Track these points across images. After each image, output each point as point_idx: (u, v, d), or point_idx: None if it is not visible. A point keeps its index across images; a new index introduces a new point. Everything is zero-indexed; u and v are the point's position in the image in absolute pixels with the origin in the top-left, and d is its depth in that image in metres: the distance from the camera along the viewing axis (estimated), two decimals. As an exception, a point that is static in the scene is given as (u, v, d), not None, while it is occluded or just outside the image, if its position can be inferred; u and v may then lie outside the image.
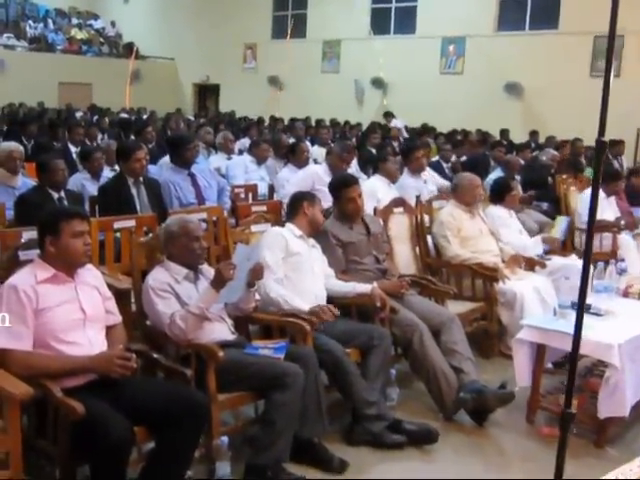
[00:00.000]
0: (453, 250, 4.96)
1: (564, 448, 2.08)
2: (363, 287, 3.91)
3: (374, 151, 9.80)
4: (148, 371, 3.09)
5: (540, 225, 6.76)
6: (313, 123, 15.34)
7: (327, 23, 19.12)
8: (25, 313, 2.68)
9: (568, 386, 2.08)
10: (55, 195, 4.83)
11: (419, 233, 5.15)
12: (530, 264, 5.20)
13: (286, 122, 15.32)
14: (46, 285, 2.76)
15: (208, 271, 3.44)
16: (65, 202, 4.83)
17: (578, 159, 9.60)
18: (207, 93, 23.75)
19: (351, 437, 3.53)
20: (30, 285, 2.72)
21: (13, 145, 5.67)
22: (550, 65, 15.13)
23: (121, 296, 3.42)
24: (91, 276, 2.97)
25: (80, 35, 23.90)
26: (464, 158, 9.59)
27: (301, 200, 3.99)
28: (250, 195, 6.30)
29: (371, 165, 8.50)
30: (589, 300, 4.07)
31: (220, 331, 3.30)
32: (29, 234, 3.59)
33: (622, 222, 6.64)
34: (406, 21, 18.19)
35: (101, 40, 24.46)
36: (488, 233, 5.12)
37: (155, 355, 3.05)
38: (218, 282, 3.16)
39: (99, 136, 10.88)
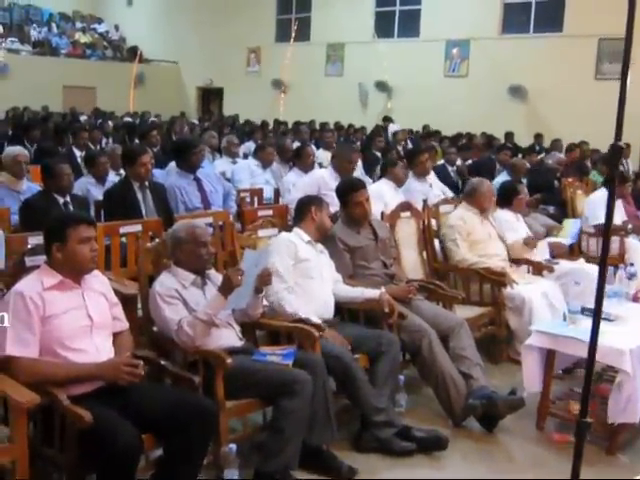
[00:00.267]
0: (461, 254, 4.93)
1: (580, 457, 2.05)
2: (371, 292, 3.88)
3: (379, 154, 9.80)
4: (155, 378, 3.06)
5: (547, 229, 6.72)
6: (317, 126, 15.33)
7: (331, 26, 19.10)
8: (32, 320, 2.65)
9: (584, 394, 2.05)
10: (61, 200, 4.81)
11: (426, 237, 5.12)
12: (538, 268, 5.18)
13: (290, 125, 15.32)
14: (53, 292, 2.74)
15: (215, 276, 3.42)
16: (71, 207, 4.81)
17: (584, 162, 9.57)
18: (211, 97, 23.74)
19: (360, 444, 3.50)
20: (37, 292, 2.70)
21: (18, 149, 5.65)
22: (554, 68, 15.09)
23: (127, 302, 3.39)
24: (98, 282, 2.95)
25: (84, 39, 23.91)
26: (469, 162, 9.57)
27: (309, 205, 3.97)
28: (256, 199, 6.27)
29: (374, 168, 8.51)
30: (599, 305, 4.05)
31: (228, 337, 3.28)
32: (35, 239, 3.57)
33: (629, 226, 6.61)
34: (410, 24, 18.15)
35: (105, 44, 24.48)
36: (497, 237, 5.10)
37: (162, 362, 3.02)
38: (226, 288, 3.14)
39: (103, 140, 10.89)
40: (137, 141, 9.55)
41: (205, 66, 22.12)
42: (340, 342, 3.56)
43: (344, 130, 15.14)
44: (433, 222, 5.22)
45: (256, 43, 21.37)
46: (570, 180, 7.83)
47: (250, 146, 10.65)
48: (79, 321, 2.77)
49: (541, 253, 5.63)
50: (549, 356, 3.76)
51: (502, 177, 7.41)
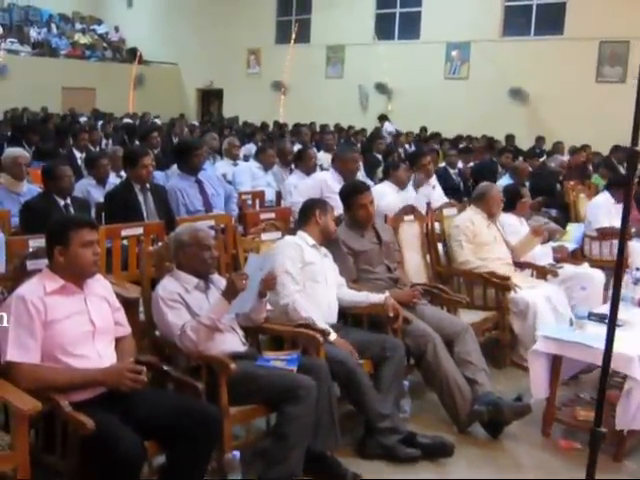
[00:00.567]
0: (464, 255, 4.90)
1: (594, 466, 2.00)
2: (376, 297, 3.83)
3: (379, 157, 9.77)
4: (158, 383, 3.01)
5: (550, 232, 6.68)
6: (317, 128, 15.30)
7: (331, 28, 19.08)
8: (33, 325, 2.61)
9: (598, 403, 2.01)
10: (61, 202, 4.76)
11: (429, 241, 5.08)
12: (542, 272, 5.14)
13: (289, 127, 15.28)
14: (55, 296, 2.70)
15: (218, 280, 3.38)
16: (71, 209, 4.77)
17: (586, 165, 9.54)
18: (210, 98, 23.72)
19: (364, 450, 3.46)
20: (38, 296, 2.66)
21: (18, 151, 5.62)
22: (555, 71, 15.07)
23: (129, 305, 3.36)
24: (100, 286, 2.91)
25: (83, 40, 23.86)
26: (470, 164, 9.54)
27: (313, 208, 3.92)
28: (257, 202, 6.23)
29: (375, 171, 8.47)
30: (605, 310, 4.01)
31: (231, 342, 3.23)
32: (36, 242, 3.54)
33: (633, 229, 6.57)
34: (410, 26, 18.13)
35: (104, 45, 24.43)
36: (502, 241, 5.07)
37: (165, 367, 2.98)
38: (230, 293, 3.10)
39: (103, 141, 10.85)
40: (137, 143, 9.51)
41: (205, 68, 22.08)
42: (346, 349, 3.52)
43: (344, 132, 15.13)
44: (436, 225, 5.18)
45: (256, 45, 21.35)
46: (572, 183, 7.80)
47: (250, 148, 10.63)
48: (81, 326, 2.73)
49: (544, 257, 5.60)
50: (555, 362, 3.71)
51: (504, 180, 7.37)
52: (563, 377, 3.94)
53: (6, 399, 2.46)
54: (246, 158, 8.90)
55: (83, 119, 15.71)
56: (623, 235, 2.02)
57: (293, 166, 6.95)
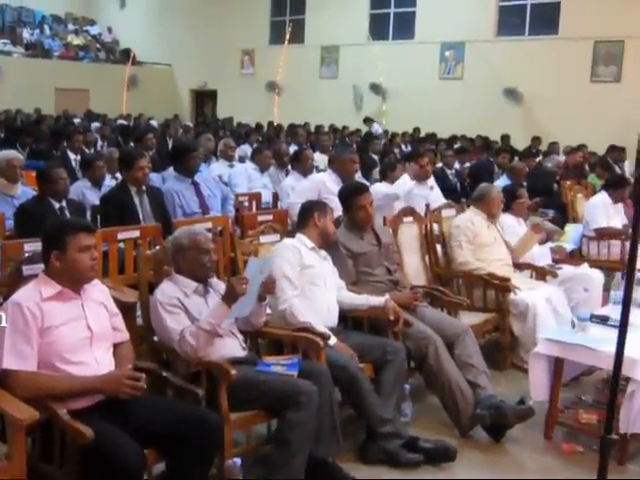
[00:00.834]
0: (464, 256, 4.87)
1: (605, 474, 1.96)
2: (376, 300, 3.79)
3: (375, 157, 9.74)
4: (157, 389, 2.97)
5: (547, 233, 6.65)
6: (312, 129, 15.26)
7: (325, 28, 19.05)
8: (30, 332, 2.56)
9: (609, 409, 1.97)
10: (56, 205, 4.71)
11: (429, 242, 5.05)
12: (541, 273, 5.11)
13: (284, 128, 15.24)
14: (52, 302, 2.65)
15: (217, 284, 3.34)
16: (67, 212, 4.72)
17: (583, 165, 9.53)
18: (204, 99, 23.65)
19: (366, 456, 3.42)
20: (35, 302, 2.60)
21: (13, 153, 5.56)
22: (550, 70, 15.08)
23: (126, 310, 3.30)
24: (97, 292, 2.86)
25: (77, 41, 23.75)
26: (467, 164, 9.52)
27: (311, 210, 3.87)
28: (254, 203, 6.19)
29: (371, 171, 8.44)
30: (607, 312, 3.98)
31: (231, 347, 3.19)
32: (31, 246, 3.49)
33: (630, 229, 6.54)
34: (405, 26, 18.11)
35: (98, 46, 24.32)
36: (502, 242, 5.04)
37: (164, 373, 2.93)
38: (230, 297, 3.05)
39: (98, 143, 10.78)
40: (132, 144, 9.45)
41: (199, 68, 22.02)
42: (346, 352, 3.48)
43: (339, 132, 15.10)
44: (435, 227, 5.15)
45: (250, 45, 21.29)
46: (569, 183, 7.78)
47: (245, 149, 10.58)
48: (79, 333, 2.67)
49: (543, 258, 5.57)
50: (557, 364, 3.68)
51: (502, 181, 7.34)
52: (564, 379, 3.91)
53: (2, 408, 2.41)
54: (241, 159, 8.85)
55: (77, 120, 15.62)
56: (635, 236, 1.97)
57: (290, 167, 6.89)
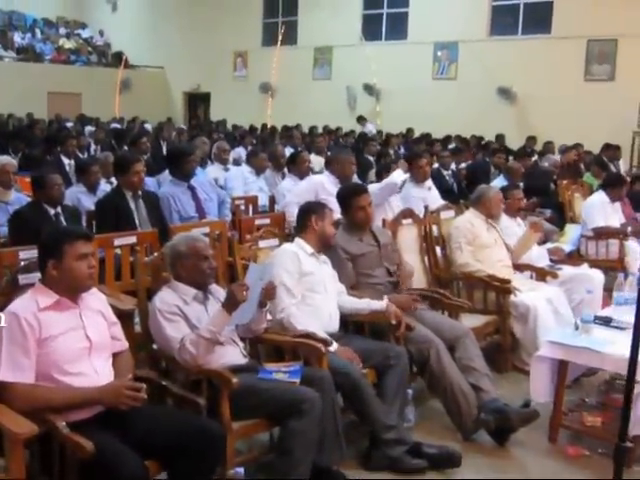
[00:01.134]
0: (464, 258, 4.84)
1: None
2: (378, 304, 3.75)
3: (371, 158, 9.69)
4: (157, 399, 2.91)
5: (545, 233, 6.62)
6: (305, 130, 15.21)
7: (318, 30, 18.98)
8: (27, 343, 2.50)
9: (623, 416, 1.93)
10: (52, 211, 4.65)
11: (428, 244, 5.01)
12: (541, 274, 5.08)
13: (277, 130, 15.19)
14: (49, 312, 2.59)
15: (216, 290, 3.29)
16: (62, 218, 4.66)
17: (578, 164, 9.51)
18: (197, 102, 23.57)
19: (369, 462, 3.37)
20: (32, 313, 2.54)
21: (6, 159, 5.52)
22: (544, 70, 15.06)
23: (124, 318, 3.25)
24: (95, 300, 2.80)
25: (68, 45, 23.64)
26: (462, 165, 9.49)
27: (309, 214, 3.81)
28: (250, 207, 6.14)
29: (367, 173, 8.39)
30: (610, 313, 3.96)
31: (232, 355, 3.14)
32: (26, 253, 3.44)
33: (629, 228, 6.53)
34: (398, 27, 18.07)
35: (89, 49, 24.21)
36: (502, 244, 5.01)
37: (164, 382, 2.88)
38: (230, 304, 3.00)
39: (92, 147, 10.71)
40: (126, 148, 9.39)
41: (191, 71, 21.92)
42: (350, 357, 3.43)
43: (333, 134, 15.06)
44: (434, 229, 5.11)
45: (243, 47, 21.22)
46: (566, 183, 7.76)
47: (240, 152, 10.50)
48: (77, 343, 2.61)
49: (541, 259, 5.53)
50: (561, 367, 3.64)
51: (499, 181, 7.32)
52: (566, 381, 3.87)
53: (0, 422, 2.35)
54: (236, 162, 8.80)
55: (69, 124, 15.53)
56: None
57: (286, 170, 6.85)
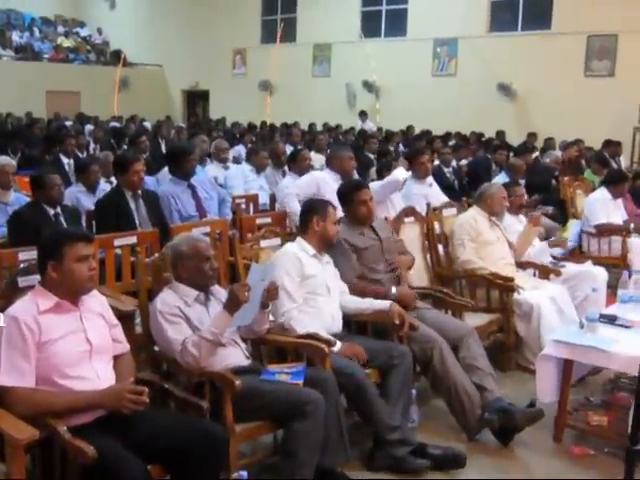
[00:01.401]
0: (467, 254, 4.80)
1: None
2: (381, 304, 3.71)
3: (371, 156, 9.64)
4: (159, 402, 2.88)
5: (547, 230, 6.59)
6: (303, 128, 15.14)
7: (317, 27, 18.95)
8: (27, 347, 2.47)
9: (634, 420, 1.89)
10: (51, 211, 4.62)
11: (430, 242, 4.98)
12: (545, 272, 5.05)
13: (276, 127, 15.14)
14: (49, 315, 2.55)
15: (218, 291, 3.26)
16: (62, 218, 4.62)
17: (579, 160, 9.47)
18: (196, 100, 23.52)
19: (373, 463, 3.34)
20: (32, 316, 2.51)
21: (5, 159, 5.49)
22: (544, 66, 15.03)
23: (125, 319, 3.22)
24: (96, 302, 2.76)
25: (67, 43, 23.57)
26: (463, 161, 9.44)
27: (310, 214, 3.75)
28: (251, 205, 6.10)
29: (367, 171, 8.35)
30: (615, 311, 3.92)
31: (234, 356, 3.10)
32: (26, 254, 3.41)
33: (631, 225, 6.49)
34: (397, 23, 18.03)
35: (88, 48, 24.15)
36: (504, 241, 4.97)
37: (167, 385, 2.85)
38: (232, 305, 2.97)
39: (92, 146, 10.66)
40: (125, 147, 9.35)
41: (190, 69, 21.89)
42: (356, 352, 3.40)
43: (333, 131, 15.01)
44: (437, 226, 5.08)
45: (241, 45, 21.17)
46: (567, 179, 7.72)
47: (240, 150, 10.46)
48: (77, 346, 2.58)
49: (542, 254, 5.48)
50: (567, 366, 3.61)
51: (501, 178, 7.28)
52: (572, 380, 3.84)
53: (0, 427, 2.32)
54: (236, 160, 8.75)
55: (68, 123, 15.48)
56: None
57: (287, 168, 6.81)
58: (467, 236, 4.82)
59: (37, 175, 4.78)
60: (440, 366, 3.69)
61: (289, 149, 8.10)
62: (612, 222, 6.48)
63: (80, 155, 8.81)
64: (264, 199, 6.41)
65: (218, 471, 2.64)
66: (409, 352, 3.60)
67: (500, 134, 14.14)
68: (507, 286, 4.55)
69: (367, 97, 18.41)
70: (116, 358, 2.78)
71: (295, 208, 5.20)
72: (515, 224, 5.39)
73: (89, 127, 14.48)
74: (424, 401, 4.00)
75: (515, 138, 13.77)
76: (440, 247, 5.04)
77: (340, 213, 4.11)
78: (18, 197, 5.27)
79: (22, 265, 3.09)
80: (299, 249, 3.67)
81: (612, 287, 5.25)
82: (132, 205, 4.91)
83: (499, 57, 15.78)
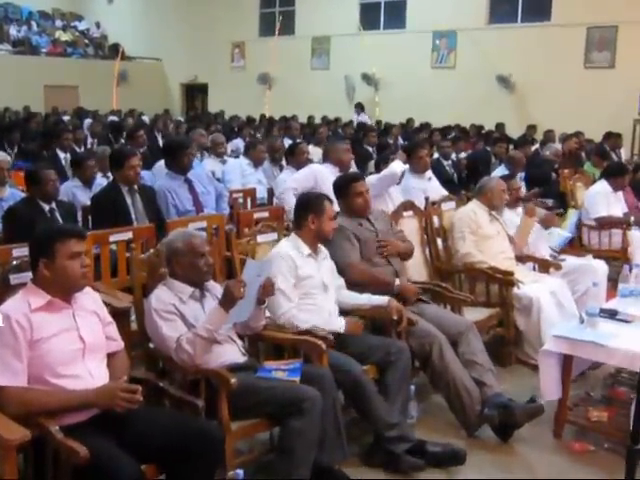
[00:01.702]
0: (467, 247, 4.77)
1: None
2: (379, 299, 3.68)
3: (370, 149, 9.60)
4: (154, 400, 2.84)
5: (543, 220, 6.52)
6: (302, 121, 15.08)
7: (316, 19, 18.87)
8: (19, 346, 2.43)
9: (635, 418, 1.85)
10: (46, 207, 4.57)
11: (429, 236, 4.94)
12: (544, 266, 5.01)
13: (276, 121, 15.07)
14: (41, 313, 2.51)
15: (213, 287, 3.22)
16: (57, 214, 4.58)
17: (579, 153, 9.41)
18: (195, 93, 23.45)
19: (371, 460, 3.32)
20: (23, 314, 2.47)
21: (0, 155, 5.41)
22: (543, 57, 14.95)
23: (120, 316, 3.19)
24: (89, 300, 2.72)
25: (65, 37, 23.49)
26: (462, 154, 9.39)
27: (306, 212, 3.66)
28: (249, 200, 6.05)
29: (366, 164, 8.30)
30: (615, 305, 3.89)
31: (230, 353, 3.07)
32: (20, 251, 3.36)
33: (632, 218, 6.45)
34: (396, 16, 17.93)
35: (86, 42, 24.05)
36: (504, 235, 4.94)
37: (161, 384, 2.81)
38: (228, 301, 2.93)
39: (89, 140, 10.60)
40: (123, 141, 9.29)
41: (189, 62, 21.81)
42: (355, 327, 3.43)
43: (332, 124, 14.95)
44: (435, 220, 5.03)
45: (240, 38, 21.08)
46: (567, 172, 7.67)
47: (238, 143, 10.41)
48: (70, 344, 2.54)
49: (540, 241, 5.42)
50: (567, 362, 3.58)
51: (500, 170, 7.24)
52: (572, 375, 3.81)
53: (-8, 427, 2.29)
54: (234, 153, 8.70)
55: (66, 118, 15.41)
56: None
57: (284, 162, 6.76)
58: (467, 229, 4.78)
59: (32, 170, 4.73)
60: (439, 361, 3.65)
61: (288, 142, 8.05)
62: (612, 215, 6.44)
63: (77, 149, 8.75)
64: (262, 193, 6.35)
65: (214, 470, 2.61)
66: (407, 348, 3.56)
67: (500, 126, 14.08)
68: (507, 280, 4.52)
69: (366, 90, 18.33)
70: (110, 356, 2.74)
71: (292, 204, 5.15)
72: (513, 217, 5.35)
73: (88, 121, 14.40)
74: (423, 397, 3.98)
75: (515, 130, 13.71)
76: (439, 241, 5.00)
77: (337, 207, 4.06)
78: (13, 193, 5.22)
79: (14, 262, 3.04)
80: (293, 248, 3.58)
81: (612, 280, 5.23)
82: (128, 200, 4.85)
83: (499, 49, 15.70)
